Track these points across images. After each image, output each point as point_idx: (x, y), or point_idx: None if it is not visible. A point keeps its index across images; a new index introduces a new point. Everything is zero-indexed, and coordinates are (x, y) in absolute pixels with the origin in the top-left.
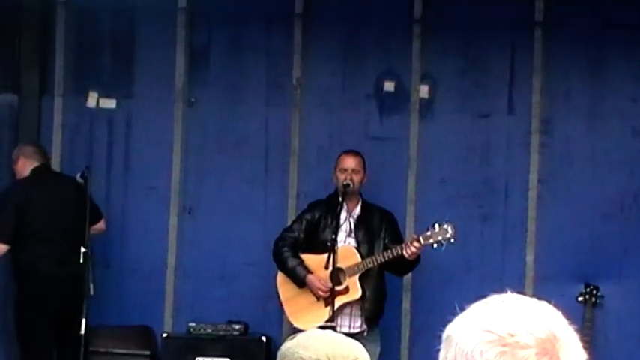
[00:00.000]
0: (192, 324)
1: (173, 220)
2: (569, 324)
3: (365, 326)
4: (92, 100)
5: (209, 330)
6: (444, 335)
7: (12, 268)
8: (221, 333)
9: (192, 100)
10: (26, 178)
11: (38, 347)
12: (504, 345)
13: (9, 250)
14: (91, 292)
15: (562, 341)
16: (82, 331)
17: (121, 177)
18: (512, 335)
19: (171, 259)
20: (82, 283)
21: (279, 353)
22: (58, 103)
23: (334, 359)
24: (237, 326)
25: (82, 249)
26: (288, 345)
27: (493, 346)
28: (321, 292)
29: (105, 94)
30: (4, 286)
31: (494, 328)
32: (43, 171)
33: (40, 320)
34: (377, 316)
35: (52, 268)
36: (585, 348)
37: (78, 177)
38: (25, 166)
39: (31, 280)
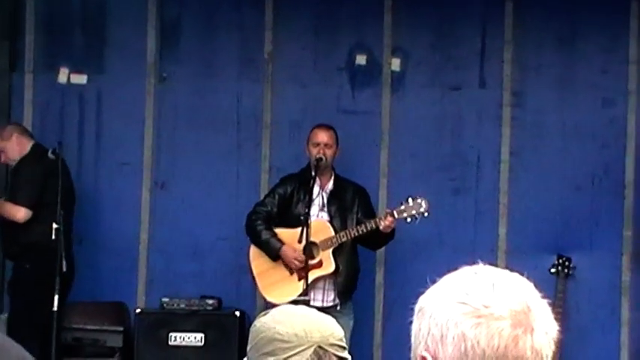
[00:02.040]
0: (166, 299)
1: (145, 196)
2: (541, 296)
3: (338, 300)
4: (63, 76)
5: (182, 305)
6: (417, 307)
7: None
8: (194, 308)
9: (164, 75)
10: (39, 153)
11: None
12: (479, 317)
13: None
14: (64, 268)
15: (536, 313)
16: (55, 308)
17: (92, 153)
18: (486, 307)
19: (143, 235)
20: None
21: (253, 329)
22: (28, 79)
23: (311, 334)
24: (210, 301)
25: (54, 225)
26: (263, 320)
27: (468, 317)
28: (296, 262)
29: (76, 69)
30: None
31: (468, 300)
32: (41, 148)
33: (55, 294)
34: (350, 291)
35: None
36: (558, 319)
37: (50, 153)
38: (22, 143)
39: (46, 252)
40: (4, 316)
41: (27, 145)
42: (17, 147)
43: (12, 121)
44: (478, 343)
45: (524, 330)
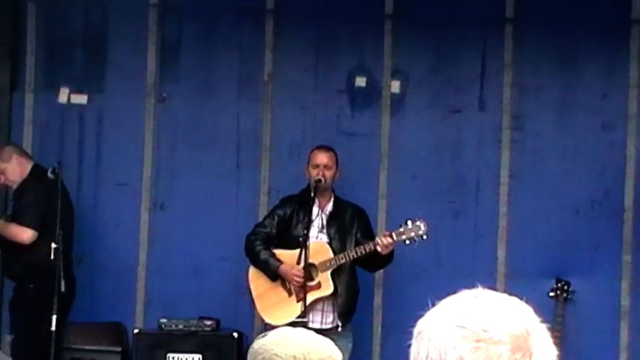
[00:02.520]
0: (164, 320)
1: (144, 216)
2: (540, 320)
3: (338, 322)
4: (63, 95)
5: (180, 326)
6: (416, 331)
7: (25, 265)
8: (192, 329)
9: (164, 96)
10: (41, 174)
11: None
12: (478, 340)
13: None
14: (62, 288)
15: (534, 337)
16: (53, 328)
17: (92, 173)
18: (486, 331)
19: (142, 255)
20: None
21: (251, 351)
22: (28, 99)
23: (309, 356)
24: (208, 322)
25: (53, 245)
26: (261, 342)
27: (467, 341)
28: (297, 279)
29: (76, 89)
30: None
31: (467, 324)
32: (41, 168)
33: (50, 317)
34: (350, 312)
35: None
36: (557, 344)
37: (49, 173)
38: (23, 164)
39: (48, 273)
40: (9, 336)
41: (27, 167)
42: (18, 169)
43: (9, 142)
44: None
45: (522, 354)
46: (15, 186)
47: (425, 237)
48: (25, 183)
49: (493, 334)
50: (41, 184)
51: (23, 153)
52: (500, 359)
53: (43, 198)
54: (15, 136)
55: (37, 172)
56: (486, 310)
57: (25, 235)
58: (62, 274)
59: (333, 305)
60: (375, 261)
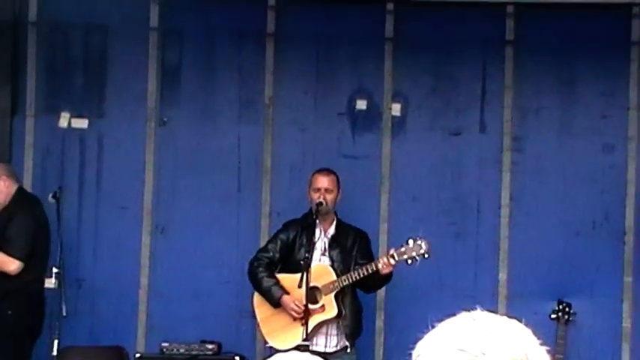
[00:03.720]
0: (166, 344)
1: (146, 240)
2: (541, 342)
3: (347, 343)
4: (64, 120)
5: (182, 350)
6: (415, 353)
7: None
8: (194, 353)
9: (165, 120)
10: (26, 199)
11: None
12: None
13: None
14: (64, 312)
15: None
16: (54, 352)
17: (93, 197)
18: (484, 354)
19: (143, 279)
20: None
21: None
22: (29, 123)
23: None
24: (210, 346)
25: (54, 269)
26: None
27: None
28: (294, 313)
29: (77, 114)
30: None
31: (466, 347)
32: (25, 192)
33: (28, 340)
34: (357, 332)
35: (40, 288)
36: None
37: (50, 197)
38: (10, 186)
39: (28, 299)
40: None
41: (13, 189)
42: (6, 190)
43: None
44: None
45: None
46: (2, 201)
47: (427, 256)
48: (12, 208)
49: (492, 357)
50: (29, 211)
51: (12, 174)
52: None
53: (31, 227)
54: (15, 160)
55: (22, 195)
56: (485, 333)
57: (13, 265)
58: (63, 298)
59: (338, 328)
60: (374, 281)
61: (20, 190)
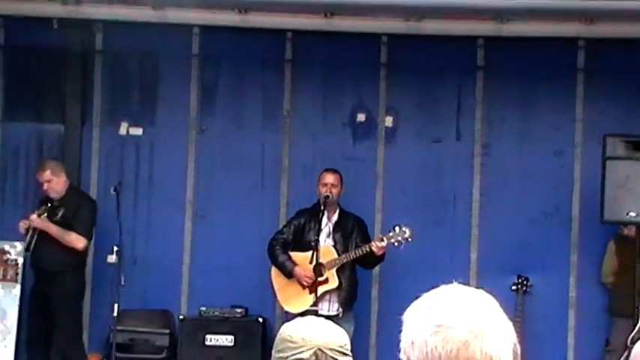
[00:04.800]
0: (203, 308)
1: (187, 225)
2: (503, 309)
3: (341, 310)
4: (123, 129)
5: (216, 313)
6: (403, 319)
7: (70, 263)
8: (226, 315)
9: (203, 128)
10: (82, 191)
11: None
12: (438, 326)
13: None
14: (122, 282)
15: (488, 322)
16: (115, 314)
17: (145, 190)
18: (445, 319)
19: (185, 256)
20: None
21: (284, 336)
22: (95, 132)
23: (313, 338)
24: (239, 310)
25: (115, 248)
26: (284, 326)
27: (429, 327)
28: (306, 279)
29: (133, 123)
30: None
31: (431, 313)
32: (76, 186)
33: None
34: (351, 302)
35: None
36: (517, 328)
37: (112, 190)
38: (66, 181)
39: (83, 271)
40: None
41: (67, 183)
42: (62, 184)
43: (56, 158)
44: (436, 347)
45: (474, 336)
46: (56, 196)
47: (410, 240)
48: (75, 197)
49: (450, 320)
50: (90, 200)
51: (65, 170)
52: (454, 340)
53: (94, 214)
54: (84, 161)
55: (77, 189)
56: (448, 302)
57: (81, 243)
58: (122, 271)
59: (338, 296)
60: (371, 260)
61: (72, 184)
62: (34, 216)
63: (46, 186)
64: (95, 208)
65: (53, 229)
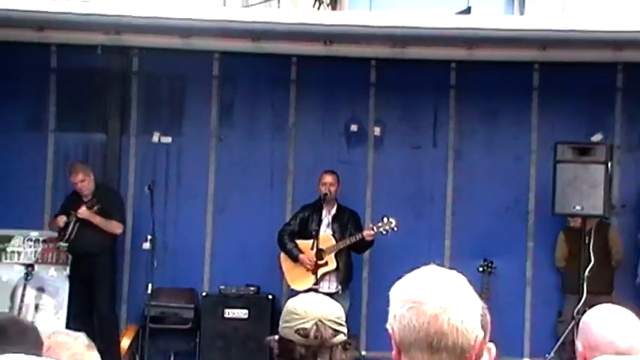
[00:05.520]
0: (222, 287)
1: (209, 218)
2: (472, 287)
3: (339, 287)
4: (155, 137)
5: (233, 291)
6: (389, 296)
7: (108, 246)
8: (241, 293)
9: (222, 137)
10: (109, 188)
11: None
12: (414, 302)
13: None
14: (155, 265)
15: (455, 298)
16: (149, 291)
17: (174, 188)
18: (419, 296)
19: (207, 243)
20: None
21: (290, 309)
22: (132, 140)
23: (315, 310)
24: (252, 288)
25: (149, 237)
26: (290, 300)
27: (406, 303)
28: (308, 265)
29: (164, 133)
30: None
31: (408, 291)
32: (101, 184)
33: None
34: (347, 281)
35: None
36: (485, 304)
37: (146, 189)
38: (93, 179)
39: (116, 253)
40: None
41: (94, 181)
42: (92, 183)
43: (76, 161)
44: (411, 320)
45: (443, 311)
46: (88, 193)
47: (395, 229)
48: (107, 192)
49: (422, 298)
50: (117, 193)
51: (92, 170)
52: (426, 314)
53: (123, 203)
54: (123, 166)
55: (100, 184)
56: (422, 282)
57: (119, 229)
58: (155, 255)
59: (336, 277)
60: (363, 246)
61: (96, 181)
62: (83, 209)
63: (79, 186)
64: (122, 197)
65: (97, 219)
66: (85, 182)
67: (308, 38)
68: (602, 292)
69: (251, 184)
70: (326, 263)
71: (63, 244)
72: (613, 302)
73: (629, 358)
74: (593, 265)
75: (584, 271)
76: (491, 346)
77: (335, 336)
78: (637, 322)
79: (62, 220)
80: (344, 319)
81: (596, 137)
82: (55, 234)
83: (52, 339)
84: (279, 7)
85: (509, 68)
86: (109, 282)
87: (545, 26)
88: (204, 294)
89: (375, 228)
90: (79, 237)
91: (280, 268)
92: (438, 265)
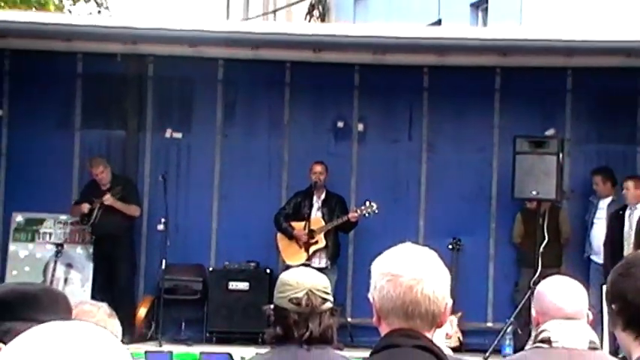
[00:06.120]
0: (227, 262)
1: (215, 203)
2: (442, 261)
3: (328, 263)
4: (168, 133)
5: (236, 266)
6: (371, 269)
7: (127, 228)
8: (243, 268)
9: (226, 134)
10: (118, 174)
11: None
12: (391, 275)
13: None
14: (168, 244)
15: (427, 271)
16: (163, 267)
17: (184, 178)
18: (396, 269)
19: (213, 225)
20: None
21: (284, 281)
22: (148, 136)
23: (305, 281)
24: (252, 264)
25: (162, 219)
26: (283, 274)
27: (385, 276)
28: (302, 239)
29: (175, 130)
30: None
31: (387, 264)
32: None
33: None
34: (335, 257)
35: None
36: (452, 276)
37: (160, 178)
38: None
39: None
40: None
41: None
42: (110, 173)
43: (96, 156)
44: (389, 291)
45: (417, 282)
46: (106, 182)
47: (376, 212)
48: (125, 181)
49: (398, 270)
50: (131, 180)
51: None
52: (402, 285)
53: (137, 188)
54: (140, 158)
55: (115, 174)
56: (399, 257)
57: (137, 212)
58: (167, 236)
59: (326, 254)
60: (348, 226)
61: (112, 171)
62: (108, 196)
63: (100, 177)
64: (135, 184)
65: (119, 205)
66: (104, 173)
67: (300, 47)
68: (553, 266)
69: (251, 174)
70: (316, 242)
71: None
72: (562, 274)
73: (574, 322)
74: (546, 242)
75: (539, 248)
76: (453, 318)
77: (323, 304)
78: (583, 290)
79: (86, 207)
80: (330, 289)
81: (550, 132)
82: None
83: (79, 308)
84: (275, 19)
85: (474, 72)
86: (128, 259)
87: (505, 36)
88: (210, 269)
89: (358, 211)
90: (103, 221)
91: (277, 246)
92: (413, 242)
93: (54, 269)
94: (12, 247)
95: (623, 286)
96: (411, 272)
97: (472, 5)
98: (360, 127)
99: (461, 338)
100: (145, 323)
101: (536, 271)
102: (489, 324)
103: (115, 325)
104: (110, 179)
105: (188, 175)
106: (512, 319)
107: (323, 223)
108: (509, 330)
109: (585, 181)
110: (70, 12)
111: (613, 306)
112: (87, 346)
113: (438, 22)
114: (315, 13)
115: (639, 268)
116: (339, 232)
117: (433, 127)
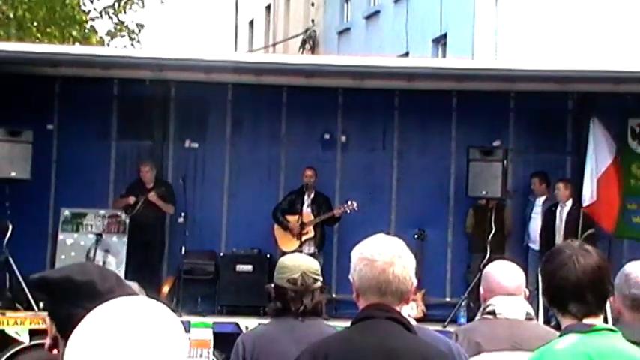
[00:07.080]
0: (234, 249)
1: (225, 200)
2: (408, 248)
3: (316, 250)
4: (187, 144)
5: (242, 251)
6: (351, 255)
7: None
8: (247, 253)
9: (234, 145)
10: (160, 177)
11: None
12: (368, 259)
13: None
14: (186, 234)
15: (398, 256)
16: (183, 252)
17: (200, 181)
18: (371, 254)
19: (224, 218)
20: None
21: (282, 264)
22: (171, 146)
23: (300, 264)
24: (255, 250)
25: (182, 214)
26: (281, 258)
27: (362, 260)
28: (295, 232)
29: (193, 140)
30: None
31: (363, 251)
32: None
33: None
34: (322, 245)
35: None
36: (417, 261)
37: (180, 180)
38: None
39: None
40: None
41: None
42: (154, 175)
43: (146, 159)
44: (366, 272)
45: (389, 265)
46: (150, 182)
47: (356, 209)
48: (161, 182)
49: (374, 255)
50: (168, 183)
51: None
52: (377, 268)
53: (173, 190)
54: (164, 164)
55: (157, 177)
56: (374, 245)
57: (171, 210)
58: (186, 227)
59: (314, 242)
60: (333, 221)
61: (156, 174)
62: (152, 194)
63: (147, 176)
64: (172, 187)
65: (160, 202)
66: (149, 173)
67: (294, 74)
68: (498, 252)
69: (254, 177)
70: (307, 232)
71: (126, 219)
72: (505, 259)
73: (514, 297)
74: (493, 232)
75: (488, 237)
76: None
77: (315, 283)
78: (521, 272)
79: (132, 199)
80: (320, 271)
81: (496, 143)
82: (117, 211)
83: None
84: (274, 51)
85: (436, 95)
86: (158, 247)
87: (461, 66)
88: (221, 254)
89: (342, 208)
90: (144, 213)
91: (274, 235)
92: (386, 233)
93: (94, 254)
94: (61, 236)
95: (546, 269)
96: (384, 257)
97: (434, 41)
98: (343, 138)
99: (425, 311)
100: (167, 298)
101: (485, 256)
102: (447, 299)
103: None
104: (153, 180)
105: (203, 178)
106: (465, 295)
107: (312, 217)
108: (463, 304)
109: (525, 183)
110: (108, 45)
111: (542, 285)
112: (150, 316)
113: (406, 54)
114: (307, 46)
115: (558, 256)
116: (325, 225)
117: (403, 139)
